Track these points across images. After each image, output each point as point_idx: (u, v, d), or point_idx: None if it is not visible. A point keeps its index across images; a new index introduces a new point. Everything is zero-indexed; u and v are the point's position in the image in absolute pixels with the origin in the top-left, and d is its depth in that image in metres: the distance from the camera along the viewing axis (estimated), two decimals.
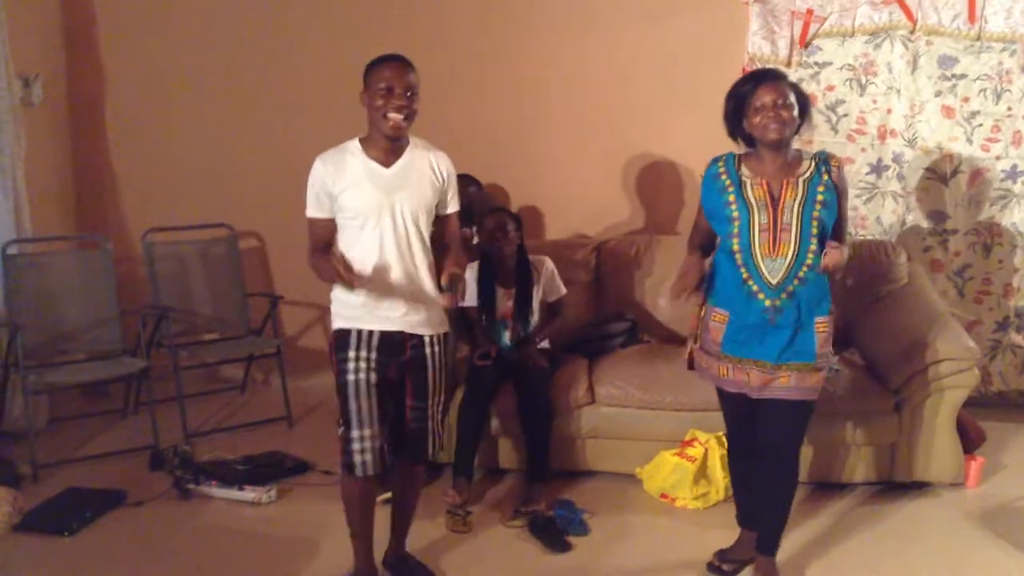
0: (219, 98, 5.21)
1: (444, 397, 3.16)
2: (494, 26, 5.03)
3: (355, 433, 2.97)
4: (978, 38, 4.64)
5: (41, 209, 4.84)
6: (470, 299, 4.10)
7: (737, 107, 3.02)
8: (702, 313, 3.18)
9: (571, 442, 4.09)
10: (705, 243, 3.19)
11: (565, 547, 3.54)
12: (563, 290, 4.26)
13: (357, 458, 2.97)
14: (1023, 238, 4.79)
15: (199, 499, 3.95)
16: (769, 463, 3.15)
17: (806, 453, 3.92)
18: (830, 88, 4.79)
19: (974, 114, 4.71)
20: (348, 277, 2.78)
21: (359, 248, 2.94)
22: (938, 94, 4.72)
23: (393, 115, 2.86)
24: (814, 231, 2.94)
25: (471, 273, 4.10)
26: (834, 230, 3.03)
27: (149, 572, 3.41)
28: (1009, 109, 4.68)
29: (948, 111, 4.73)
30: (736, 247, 2.99)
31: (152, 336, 4.72)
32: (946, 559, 3.45)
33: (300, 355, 5.35)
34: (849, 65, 4.76)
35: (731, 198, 3.01)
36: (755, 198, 2.98)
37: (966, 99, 4.70)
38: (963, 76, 4.68)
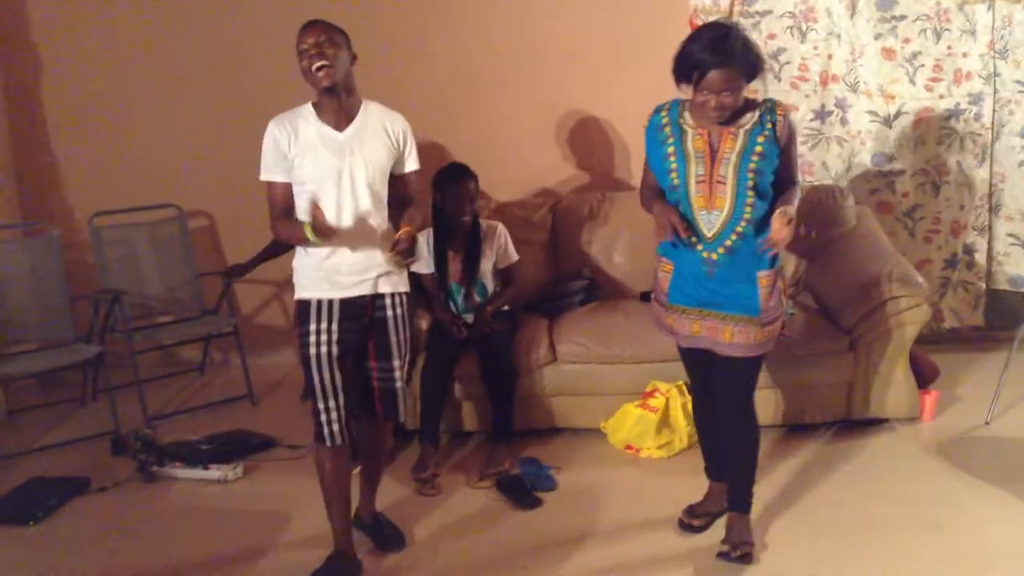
0: (158, 77, 5.11)
1: (408, 360, 3.17)
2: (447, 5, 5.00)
3: (321, 404, 2.98)
4: None
5: None
6: (426, 266, 4.09)
7: (687, 70, 2.86)
8: (657, 268, 3.16)
9: (535, 401, 4.12)
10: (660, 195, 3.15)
11: (534, 503, 3.57)
12: (515, 257, 4.25)
13: (325, 429, 2.99)
14: (967, 176, 4.87)
15: (164, 481, 3.92)
16: (726, 414, 3.16)
17: (768, 397, 4.00)
18: (771, 36, 4.82)
19: (915, 55, 4.77)
20: (324, 226, 2.80)
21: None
22: (878, 37, 4.77)
23: (316, 71, 2.84)
24: (750, 183, 2.88)
25: (425, 239, 4.09)
26: (781, 177, 2.97)
27: (118, 555, 3.38)
28: (949, 48, 4.75)
29: (889, 53, 4.78)
30: (676, 197, 2.97)
31: (105, 321, 4.64)
32: (906, 491, 3.54)
33: (258, 333, 5.31)
34: (789, 12, 4.79)
35: (671, 150, 2.98)
36: (694, 148, 2.94)
37: (907, 40, 4.75)
38: (903, 17, 4.74)
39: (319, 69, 2.84)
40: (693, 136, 2.95)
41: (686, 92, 2.93)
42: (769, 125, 2.92)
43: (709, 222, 2.93)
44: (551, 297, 4.45)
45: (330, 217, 2.88)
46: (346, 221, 2.93)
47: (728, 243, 2.92)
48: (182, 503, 3.76)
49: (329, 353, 2.96)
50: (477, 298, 4.14)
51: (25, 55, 5.12)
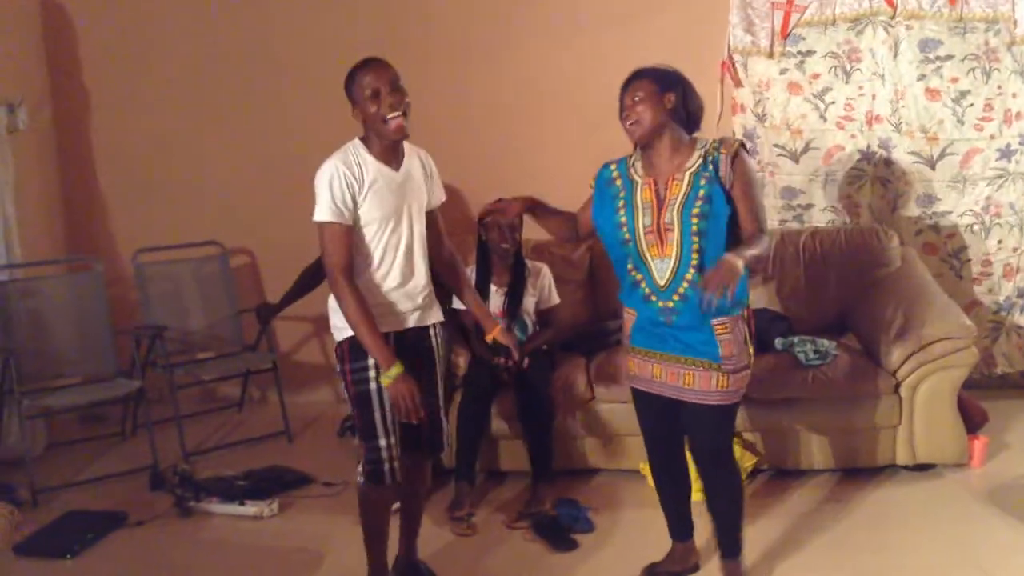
0: (204, 116, 5.20)
1: (445, 388, 3.19)
2: (480, 35, 5.04)
3: (383, 442, 2.90)
4: (960, 19, 4.64)
5: (30, 234, 4.82)
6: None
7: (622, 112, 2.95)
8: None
9: (573, 441, 4.07)
10: (567, 227, 3.19)
11: (571, 545, 3.51)
12: (556, 300, 4.25)
13: (386, 466, 2.92)
14: (1019, 217, 4.78)
15: (201, 516, 3.92)
16: (705, 467, 3.09)
17: (812, 441, 3.94)
18: (815, 76, 4.79)
19: (963, 94, 4.70)
20: (414, 411, 2.84)
21: (380, 253, 2.90)
22: (921, 77, 4.72)
23: (392, 116, 2.79)
24: (694, 228, 2.78)
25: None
26: (737, 223, 2.83)
27: None
28: (999, 87, 4.69)
29: (933, 94, 4.73)
30: (628, 251, 2.91)
31: (147, 356, 4.69)
32: (953, 537, 3.43)
33: (296, 370, 5.33)
34: (833, 53, 4.77)
35: (620, 204, 2.93)
36: (642, 200, 2.88)
37: (954, 79, 4.69)
38: (949, 57, 4.68)
39: (394, 120, 2.79)
40: (641, 187, 2.91)
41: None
42: (711, 166, 2.82)
43: (661, 269, 2.86)
44: (589, 336, 4.42)
45: (384, 253, 2.89)
46: (407, 258, 2.93)
47: (681, 290, 2.83)
48: (218, 538, 3.75)
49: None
50: (518, 334, 4.12)
51: (76, 93, 5.24)
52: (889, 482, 3.92)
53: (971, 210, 4.80)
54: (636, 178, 2.94)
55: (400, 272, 2.93)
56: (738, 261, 2.63)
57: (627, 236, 2.90)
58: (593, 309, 4.64)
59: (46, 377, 4.49)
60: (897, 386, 3.89)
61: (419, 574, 3.24)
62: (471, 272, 4.10)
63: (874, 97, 4.76)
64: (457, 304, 4.01)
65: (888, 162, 4.80)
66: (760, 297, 4.40)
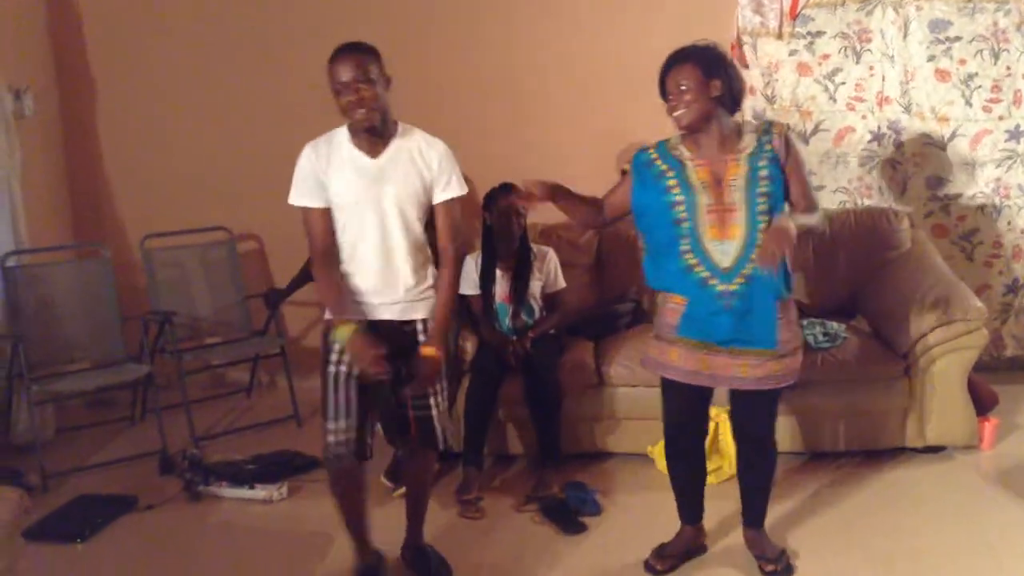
0: (211, 100, 5.19)
1: (446, 384, 3.10)
2: (486, 17, 5.01)
3: (331, 425, 2.93)
4: (970, 0, 4.60)
5: (38, 220, 4.82)
6: (473, 288, 4.08)
7: (661, 86, 2.92)
8: (657, 299, 3.08)
9: (581, 425, 4.07)
10: (591, 213, 3.13)
11: (579, 528, 3.51)
12: (562, 284, 4.22)
13: (331, 450, 2.95)
14: None
15: (210, 500, 3.93)
16: (750, 451, 3.12)
17: (822, 423, 3.94)
18: (825, 57, 4.76)
19: (972, 76, 4.67)
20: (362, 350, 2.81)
21: (346, 242, 2.92)
22: (931, 59, 4.69)
23: (354, 111, 2.79)
24: (761, 208, 2.80)
25: (471, 259, 4.10)
26: (791, 199, 2.89)
27: (163, 573, 3.40)
28: (1008, 69, 4.65)
29: (942, 75, 4.69)
30: (683, 232, 2.85)
31: (155, 342, 4.69)
32: (964, 519, 3.42)
33: (304, 354, 5.30)
34: (843, 33, 4.73)
35: (672, 182, 2.87)
36: (698, 179, 2.84)
37: (963, 61, 4.66)
38: (958, 38, 4.65)
39: (359, 115, 2.79)
40: (694, 167, 2.87)
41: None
42: (768, 147, 2.84)
43: (723, 252, 2.82)
44: (597, 320, 4.40)
45: (358, 242, 2.88)
46: (376, 248, 2.89)
47: (746, 272, 2.81)
48: (227, 522, 3.76)
49: (349, 374, 2.90)
50: (524, 319, 4.11)
51: (82, 78, 5.23)
52: (899, 464, 3.91)
53: (981, 192, 4.77)
54: (685, 159, 2.90)
55: (369, 263, 2.89)
56: (789, 223, 2.72)
57: (683, 215, 2.85)
58: (600, 293, 4.62)
59: (55, 363, 4.50)
60: (907, 368, 3.88)
61: (426, 558, 3.24)
62: (475, 259, 4.11)
63: (884, 78, 4.73)
64: (465, 290, 4.04)
65: (898, 144, 4.77)
66: None
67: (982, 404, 4.03)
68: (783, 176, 2.85)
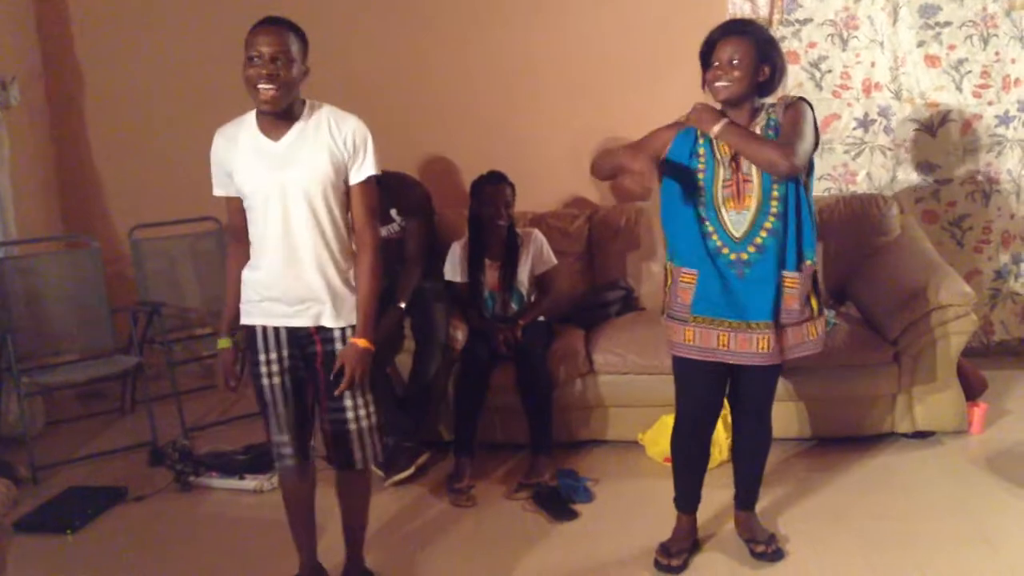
0: (199, 89, 5.14)
1: (369, 398, 2.80)
2: (477, 14, 4.97)
3: (275, 438, 2.84)
4: None
5: (26, 211, 4.79)
6: (459, 275, 4.08)
7: (705, 52, 2.90)
8: (668, 282, 3.04)
9: (572, 412, 4.07)
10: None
11: (571, 515, 3.52)
12: (553, 261, 4.20)
13: (278, 463, 2.89)
14: (1017, 184, 4.76)
15: (201, 491, 3.93)
16: (750, 425, 3.14)
17: (811, 409, 3.95)
18: (812, 45, 4.75)
19: (961, 61, 4.68)
20: (228, 371, 2.90)
21: (252, 234, 2.73)
22: (921, 44, 4.69)
23: (262, 86, 2.55)
24: (775, 179, 2.83)
25: (458, 247, 4.09)
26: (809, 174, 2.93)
27: (153, 564, 3.39)
28: (997, 54, 4.66)
29: (932, 60, 4.69)
30: (701, 199, 2.89)
31: (144, 333, 4.68)
32: (954, 504, 3.44)
33: None
34: (830, 20, 4.72)
35: (702, 151, 2.92)
36: (721, 154, 2.89)
37: (952, 47, 4.67)
38: (947, 24, 4.65)
39: (264, 91, 2.56)
40: (719, 142, 2.89)
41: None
42: (774, 117, 2.89)
43: (738, 221, 2.87)
44: (587, 308, 4.40)
45: (264, 236, 2.68)
46: (282, 242, 2.67)
47: (759, 240, 2.85)
48: (218, 513, 3.76)
49: (282, 384, 2.77)
50: (514, 307, 4.11)
51: (68, 68, 5.20)
52: (889, 450, 3.93)
53: (971, 178, 4.77)
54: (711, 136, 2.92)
55: (271, 258, 2.69)
56: (715, 112, 2.86)
57: (702, 183, 2.89)
58: (591, 280, 4.62)
59: (44, 355, 4.47)
60: (897, 354, 3.89)
61: None
62: (461, 245, 4.10)
63: (873, 64, 4.72)
64: (452, 277, 4.04)
65: (888, 130, 4.77)
66: None
67: (971, 389, 4.05)
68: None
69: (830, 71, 4.77)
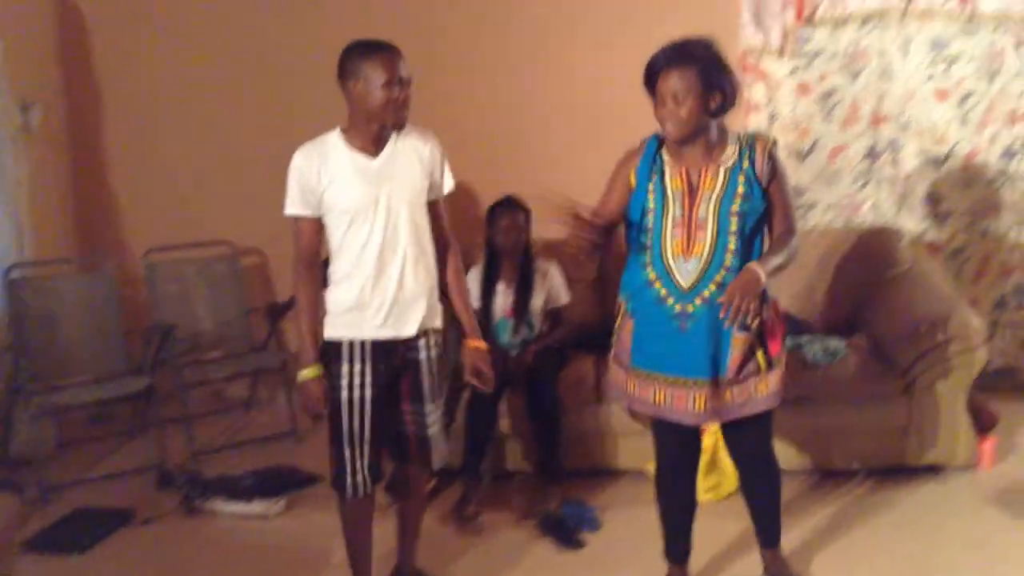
0: (215, 116, 5.21)
1: (445, 400, 3.03)
2: (490, 32, 5.03)
3: (347, 453, 2.83)
4: (971, 19, 4.62)
5: (42, 233, 4.84)
6: (473, 301, 4.08)
7: (648, 77, 2.72)
8: (618, 320, 2.88)
9: (581, 440, 4.05)
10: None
11: (578, 544, 3.51)
12: (565, 299, 4.22)
13: (348, 479, 2.85)
14: (1018, 217, 4.77)
15: (207, 515, 3.93)
16: (747, 470, 3.05)
17: (819, 441, 3.92)
18: (823, 77, 4.76)
19: (968, 95, 4.69)
20: (315, 403, 2.83)
21: (347, 249, 2.79)
22: (930, 78, 4.70)
23: (401, 110, 2.73)
24: (732, 228, 2.64)
25: (474, 272, 4.11)
26: (771, 222, 2.75)
27: None
28: (1002, 88, 4.67)
29: (941, 94, 4.71)
30: (647, 242, 2.72)
31: (156, 355, 4.70)
32: (964, 541, 3.41)
33: None
34: (841, 52, 4.74)
35: (651, 186, 2.73)
36: (672, 189, 2.68)
37: (960, 80, 4.68)
38: (956, 58, 4.67)
39: (403, 110, 2.74)
40: (671, 175, 2.71)
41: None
42: (746, 163, 2.69)
43: (685, 271, 2.67)
44: (598, 334, 4.39)
45: (363, 252, 2.76)
46: (380, 255, 2.77)
47: (706, 294, 2.65)
48: (224, 537, 3.77)
49: (364, 397, 2.80)
50: (526, 333, 4.11)
51: (89, 93, 5.26)
52: (898, 483, 3.90)
53: (971, 210, 4.79)
54: (665, 166, 2.75)
55: (367, 273, 2.77)
56: (761, 273, 2.56)
57: (651, 225, 2.70)
58: (603, 308, 4.60)
59: (56, 376, 4.50)
60: (907, 387, 3.87)
61: None
62: (477, 271, 4.10)
63: (881, 97, 4.74)
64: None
65: (895, 162, 4.78)
66: None
67: (982, 424, 4.02)
68: (764, 196, 2.71)
69: (839, 103, 4.78)
